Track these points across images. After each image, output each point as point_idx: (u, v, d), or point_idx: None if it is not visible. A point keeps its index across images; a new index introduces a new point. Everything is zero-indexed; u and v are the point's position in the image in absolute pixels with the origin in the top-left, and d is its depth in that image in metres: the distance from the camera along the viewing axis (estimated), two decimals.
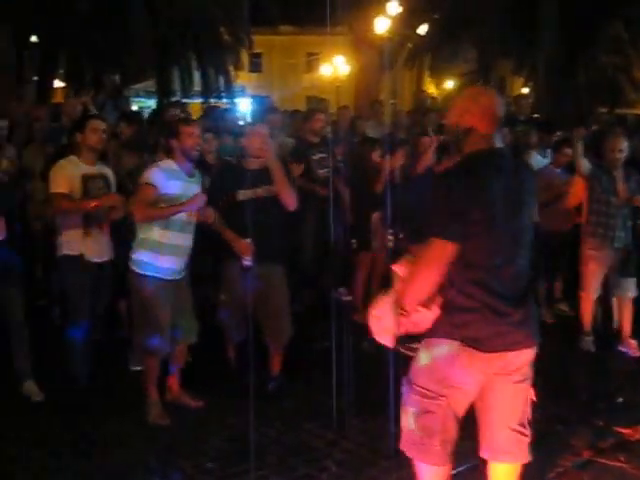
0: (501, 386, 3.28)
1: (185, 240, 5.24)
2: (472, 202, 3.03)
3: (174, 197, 5.07)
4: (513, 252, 3.17)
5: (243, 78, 29.11)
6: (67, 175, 5.49)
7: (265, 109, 9.75)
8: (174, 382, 5.47)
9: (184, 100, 15.82)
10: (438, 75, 24.58)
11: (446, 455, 3.38)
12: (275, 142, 6.66)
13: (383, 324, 3.35)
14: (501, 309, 3.12)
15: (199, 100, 18.53)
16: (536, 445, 4.74)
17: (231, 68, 20.66)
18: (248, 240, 5.40)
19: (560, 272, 7.79)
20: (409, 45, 20.46)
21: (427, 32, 19.14)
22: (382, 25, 16.52)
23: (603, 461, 4.62)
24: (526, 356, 3.26)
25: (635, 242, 6.62)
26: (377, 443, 4.82)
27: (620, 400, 5.60)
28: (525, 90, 20.17)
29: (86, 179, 5.51)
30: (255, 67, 38.52)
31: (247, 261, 5.41)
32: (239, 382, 5.67)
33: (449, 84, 27.23)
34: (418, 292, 3.18)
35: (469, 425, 4.92)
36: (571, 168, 7.21)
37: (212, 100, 18.10)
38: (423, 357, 3.30)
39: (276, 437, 4.95)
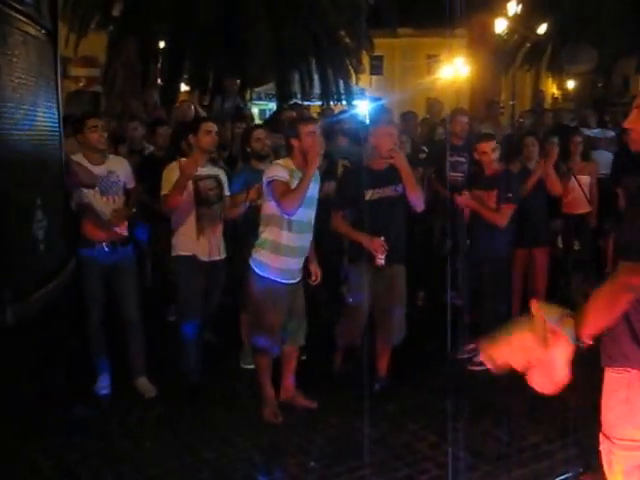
0: None
1: (304, 241, 5.29)
2: None
3: None
4: None
5: (364, 81, 29.27)
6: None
7: (376, 111, 9.73)
8: (288, 382, 5.55)
9: (304, 102, 16.06)
10: (558, 75, 24.04)
11: None
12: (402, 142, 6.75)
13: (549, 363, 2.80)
14: None
15: (318, 103, 18.71)
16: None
17: (351, 71, 20.81)
18: (381, 238, 5.49)
19: None
20: (527, 45, 20.12)
21: (546, 32, 18.75)
22: (500, 25, 16.31)
23: None
24: None
25: None
26: (479, 447, 4.86)
27: None
28: None
29: (197, 180, 5.64)
30: (376, 70, 38.67)
31: (380, 259, 5.51)
32: (346, 382, 5.83)
33: (570, 84, 26.60)
34: (602, 320, 2.70)
35: (574, 430, 4.97)
36: None
37: (331, 103, 18.27)
38: (613, 400, 2.84)
39: (379, 438, 5.01)
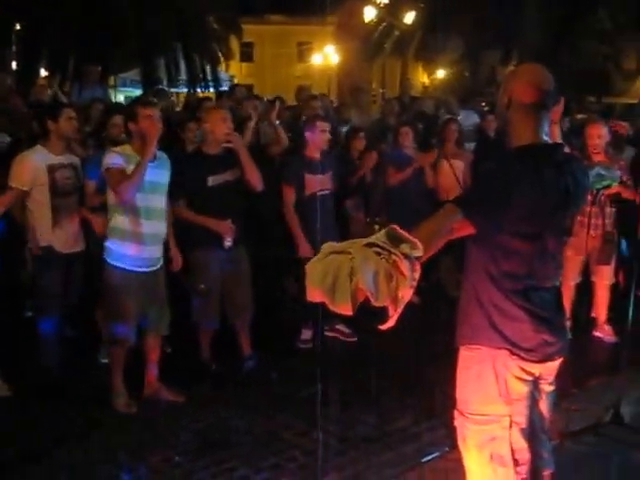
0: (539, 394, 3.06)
1: (156, 228, 5.14)
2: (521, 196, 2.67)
3: None
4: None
5: (234, 68, 29.07)
6: (30, 167, 5.36)
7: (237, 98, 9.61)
8: (152, 376, 5.39)
9: (170, 89, 15.76)
10: (428, 64, 24.57)
11: None
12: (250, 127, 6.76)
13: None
14: (544, 316, 2.85)
15: (185, 90, 18.43)
16: None
17: (220, 57, 20.59)
18: (229, 221, 5.52)
19: None
20: (396, 33, 20.43)
21: (413, 21, 19.09)
22: (369, 13, 16.46)
23: (574, 444, 4.61)
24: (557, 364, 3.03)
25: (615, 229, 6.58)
26: (347, 432, 4.82)
27: (593, 384, 5.60)
28: None
29: (53, 169, 5.41)
30: (246, 57, 38.49)
31: (228, 242, 5.54)
32: (211, 372, 5.76)
33: (440, 73, 27.26)
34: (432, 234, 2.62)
35: (440, 413, 5.01)
36: None
37: (198, 89, 18.04)
38: (465, 376, 2.95)
39: (246, 428, 4.91)
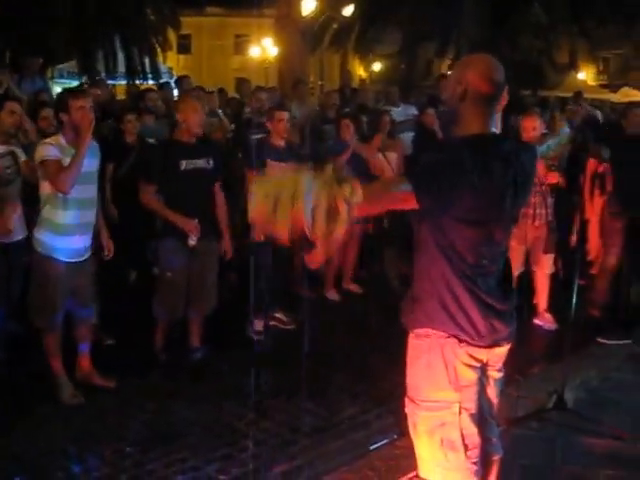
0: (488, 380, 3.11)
1: (86, 218, 5.15)
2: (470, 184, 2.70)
3: None
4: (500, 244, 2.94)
5: (172, 60, 28.76)
6: None
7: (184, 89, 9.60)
8: (84, 361, 5.39)
9: (108, 81, 15.53)
10: (365, 57, 24.68)
11: (477, 466, 2.98)
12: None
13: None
14: (491, 302, 2.88)
15: (124, 82, 18.20)
16: None
17: (158, 49, 20.37)
18: (196, 221, 5.55)
19: None
20: (334, 26, 20.46)
21: (352, 13, 19.13)
22: (308, 6, 16.44)
23: (517, 430, 4.72)
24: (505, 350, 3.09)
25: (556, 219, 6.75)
26: (297, 422, 4.86)
27: (537, 371, 5.74)
28: (450, 72, 20.40)
29: None
30: (184, 49, 38.15)
31: (193, 240, 5.58)
32: (161, 362, 5.77)
33: (376, 66, 27.40)
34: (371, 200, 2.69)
35: (388, 401, 5.10)
36: None
37: (137, 81, 17.83)
38: (415, 365, 2.97)
39: (197, 419, 4.91)
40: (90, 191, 5.14)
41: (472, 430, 2.94)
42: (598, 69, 34.00)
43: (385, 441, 4.63)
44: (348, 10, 18.63)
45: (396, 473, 4.20)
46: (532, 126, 6.48)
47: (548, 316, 6.80)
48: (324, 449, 4.57)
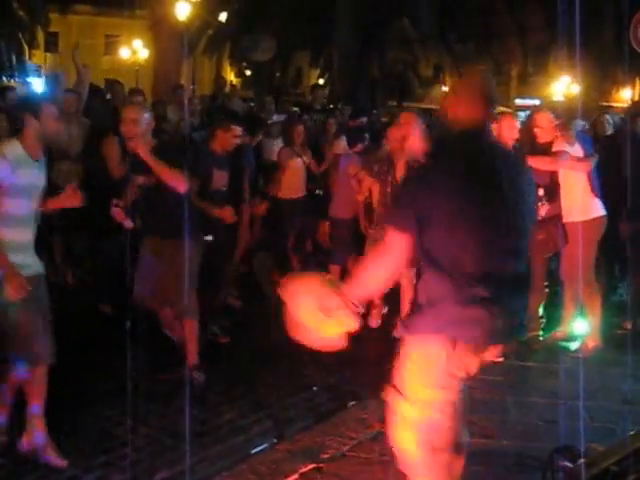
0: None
1: (23, 235, 4.49)
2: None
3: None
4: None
5: (39, 58, 27.86)
6: None
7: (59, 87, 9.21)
8: None
9: None
10: (238, 63, 24.70)
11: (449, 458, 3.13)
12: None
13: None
14: (486, 305, 2.99)
15: None
16: (332, 421, 5.06)
17: (25, 46, 19.74)
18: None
19: None
20: (209, 32, 20.42)
21: (227, 20, 19.15)
22: (183, 10, 16.35)
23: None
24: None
25: None
26: (176, 427, 4.83)
27: None
28: (321, 81, 20.75)
29: None
30: (51, 47, 36.94)
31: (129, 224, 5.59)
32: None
33: (248, 72, 27.46)
34: (370, 282, 3.11)
35: (265, 406, 5.19)
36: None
37: (4, 78, 17.21)
38: (407, 360, 3.12)
39: (74, 426, 4.84)
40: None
41: (451, 427, 3.07)
42: None
43: (265, 445, 4.71)
44: (223, 16, 18.65)
45: (278, 476, 4.28)
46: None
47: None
48: (205, 454, 4.60)
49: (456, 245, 2.95)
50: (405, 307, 6.60)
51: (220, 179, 6.42)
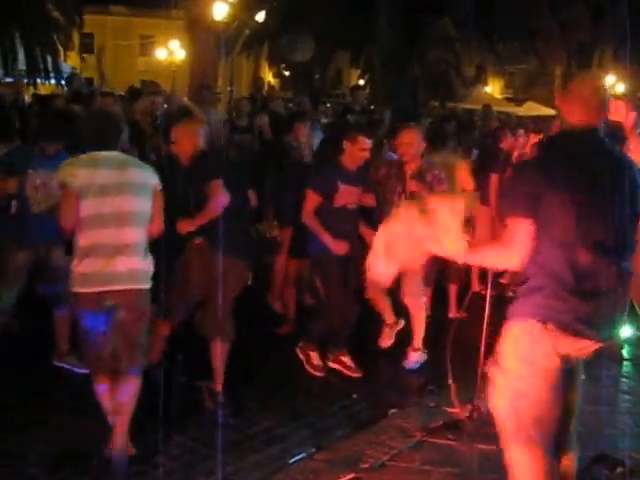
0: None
1: None
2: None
3: None
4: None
5: (74, 59, 28.02)
6: None
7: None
8: None
9: (7, 79, 15.02)
10: (276, 64, 24.64)
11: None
12: None
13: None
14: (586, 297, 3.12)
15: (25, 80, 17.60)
16: (372, 430, 4.89)
17: (59, 48, 19.82)
18: None
19: None
20: (247, 32, 20.36)
21: (265, 19, 19.07)
22: (220, 10, 16.27)
23: (433, 440, 4.71)
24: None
25: None
26: (211, 436, 4.60)
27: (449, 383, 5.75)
28: (361, 82, 20.59)
29: None
30: (86, 48, 37.23)
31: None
32: None
33: (286, 73, 27.38)
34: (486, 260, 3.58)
35: (303, 414, 5.03)
36: None
37: (39, 81, 17.29)
38: (509, 340, 3.30)
39: (104, 435, 4.63)
40: None
41: (540, 401, 3.19)
42: (504, 83, 35.06)
43: (303, 454, 4.56)
44: (261, 16, 18.58)
45: None
46: (408, 141, 6.07)
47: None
48: (241, 464, 4.45)
49: (561, 235, 3.08)
50: (418, 329, 6.15)
51: (348, 195, 5.93)
